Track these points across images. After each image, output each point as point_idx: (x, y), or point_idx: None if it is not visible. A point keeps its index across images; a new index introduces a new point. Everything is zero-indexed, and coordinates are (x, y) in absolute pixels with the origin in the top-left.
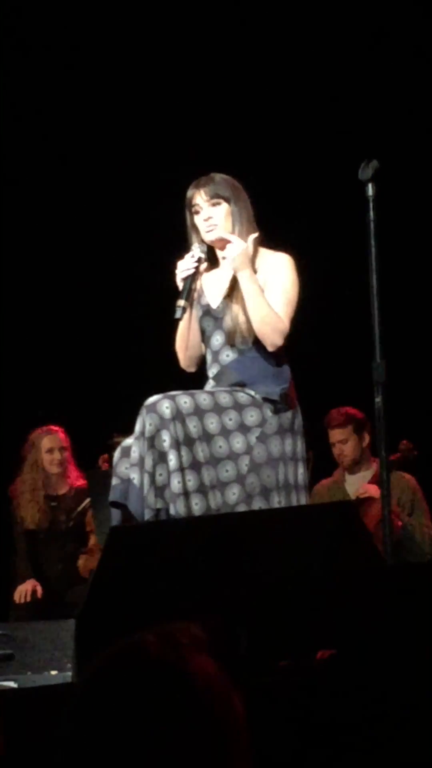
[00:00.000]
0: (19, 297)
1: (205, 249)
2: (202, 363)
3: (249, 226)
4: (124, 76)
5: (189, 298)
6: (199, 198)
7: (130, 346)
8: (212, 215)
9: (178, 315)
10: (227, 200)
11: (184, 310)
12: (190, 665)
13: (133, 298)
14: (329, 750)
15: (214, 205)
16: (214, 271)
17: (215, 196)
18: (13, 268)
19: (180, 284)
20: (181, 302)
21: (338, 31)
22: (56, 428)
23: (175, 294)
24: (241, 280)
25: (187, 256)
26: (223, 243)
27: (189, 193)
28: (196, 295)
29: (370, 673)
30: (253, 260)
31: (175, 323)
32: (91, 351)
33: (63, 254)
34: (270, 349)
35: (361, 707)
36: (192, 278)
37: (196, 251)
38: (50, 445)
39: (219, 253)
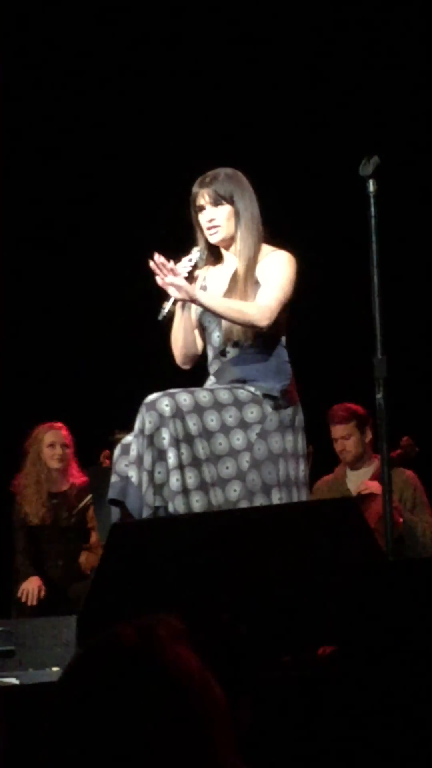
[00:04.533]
0: (23, 295)
1: (204, 254)
2: (197, 361)
3: (253, 226)
4: (127, 73)
5: (176, 301)
6: (202, 199)
7: (132, 343)
8: (214, 216)
9: (160, 316)
10: (230, 201)
11: (168, 312)
12: (167, 656)
13: (134, 296)
14: (330, 745)
15: (216, 205)
16: (219, 267)
17: (217, 197)
18: (17, 266)
19: None
20: (166, 304)
21: (340, 27)
22: (59, 425)
23: None
24: (203, 303)
25: (184, 259)
26: (227, 243)
27: (193, 190)
28: (199, 289)
29: (371, 669)
30: (254, 258)
31: (167, 324)
32: (93, 348)
33: (65, 252)
34: (263, 330)
35: (363, 703)
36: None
37: (194, 255)
38: (52, 439)
39: (223, 252)
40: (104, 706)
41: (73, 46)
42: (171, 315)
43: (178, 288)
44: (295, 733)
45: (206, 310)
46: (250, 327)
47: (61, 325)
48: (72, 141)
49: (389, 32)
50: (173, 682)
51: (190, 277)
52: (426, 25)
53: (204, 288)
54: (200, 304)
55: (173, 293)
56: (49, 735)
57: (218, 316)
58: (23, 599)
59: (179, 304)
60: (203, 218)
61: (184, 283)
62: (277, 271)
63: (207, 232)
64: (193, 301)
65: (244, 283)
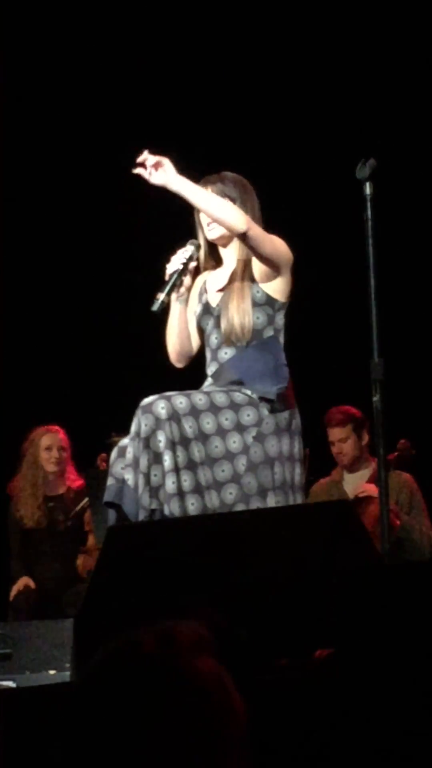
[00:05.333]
0: (20, 297)
1: (199, 246)
2: (192, 360)
3: None
4: (124, 79)
5: (171, 293)
6: None
7: (129, 346)
8: None
9: (155, 307)
10: (233, 200)
11: (162, 303)
12: (185, 664)
13: (131, 298)
14: (328, 749)
15: None
16: (218, 270)
17: (221, 195)
18: (15, 269)
19: (167, 278)
20: (160, 295)
21: (337, 29)
22: (57, 428)
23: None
24: (178, 189)
25: (179, 252)
26: (226, 240)
27: None
28: (198, 292)
29: (368, 672)
30: (249, 256)
31: (160, 316)
32: (90, 351)
33: (63, 255)
34: (238, 232)
35: (360, 706)
36: (179, 274)
37: (189, 248)
38: (49, 443)
39: (221, 251)
40: (119, 712)
41: (73, 45)
42: (166, 307)
43: (157, 165)
44: (292, 736)
45: (183, 197)
46: (227, 224)
47: (59, 328)
48: (69, 140)
49: (387, 35)
50: (189, 691)
51: (185, 269)
52: (423, 29)
53: (204, 291)
54: (175, 191)
55: (153, 175)
56: (65, 739)
57: (196, 208)
58: (12, 596)
59: (174, 297)
60: (203, 214)
61: (163, 160)
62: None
63: (206, 229)
64: (167, 184)
65: (241, 280)
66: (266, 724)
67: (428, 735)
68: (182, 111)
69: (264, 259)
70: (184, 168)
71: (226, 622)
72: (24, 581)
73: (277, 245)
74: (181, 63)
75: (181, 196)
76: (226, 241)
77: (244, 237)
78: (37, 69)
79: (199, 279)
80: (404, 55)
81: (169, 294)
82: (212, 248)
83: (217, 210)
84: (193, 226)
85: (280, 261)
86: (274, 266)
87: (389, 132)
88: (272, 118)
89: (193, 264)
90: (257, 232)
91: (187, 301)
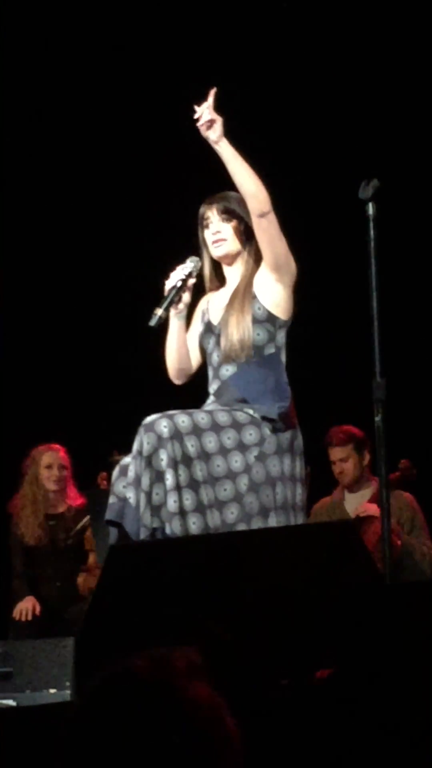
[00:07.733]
0: (22, 315)
1: (199, 265)
2: (191, 377)
3: (259, 248)
4: (125, 82)
5: (169, 308)
6: (211, 212)
7: (131, 364)
8: (221, 229)
9: (152, 322)
10: (239, 218)
11: (160, 318)
12: (179, 690)
13: (134, 317)
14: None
15: (224, 220)
16: (221, 290)
17: (226, 211)
18: (16, 287)
19: (166, 293)
20: (158, 310)
21: (340, 49)
22: (57, 446)
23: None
24: (222, 151)
25: (179, 268)
26: (230, 259)
27: (202, 209)
28: (201, 312)
29: (369, 692)
30: (253, 276)
31: (158, 331)
32: (92, 369)
33: (65, 272)
34: (261, 210)
35: (361, 726)
36: (177, 290)
37: (188, 265)
38: (50, 461)
39: (226, 270)
40: (114, 738)
41: (73, 45)
42: (164, 323)
43: (212, 123)
44: (294, 756)
45: (222, 158)
46: (254, 198)
47: (60, 347)
48: (71, 151)
49: (390, 55)
50: (183, 717)
51: (184, 285)
52: (425, 48)
53: (207, 311)
54: (217, 150)
55: (206, 131)
56: (62, 764)
57: (231, 173)
58: (18, 618)
59: (173, 313)
60: (209, 232)
61: (216, 119)
62: None
63: (212, 247)
64: (212, 141)
65: (243, 296)
66: (267, 744)
67: (429, 754)
68: (183, 124)
69: (271, 254)
70: (186, 186)
71: (229, 635)
72: (31, 602)
73: (287, 249)
74: (180, 79)
75: (220, 156)
76: (230, 259)
77: (262, 218)
78: (37, 65)
79: (203, 300)
80: (407, 74)
81: (167, 309)
82: (217, 269)
83: (249, 181)
84: (197, 245)
85: (288, 267)
86: (278, 269)
87: (392, 152)
88: (275, 139)
89: (192, 281)
90: (275, 222)
91: (186, 317)
